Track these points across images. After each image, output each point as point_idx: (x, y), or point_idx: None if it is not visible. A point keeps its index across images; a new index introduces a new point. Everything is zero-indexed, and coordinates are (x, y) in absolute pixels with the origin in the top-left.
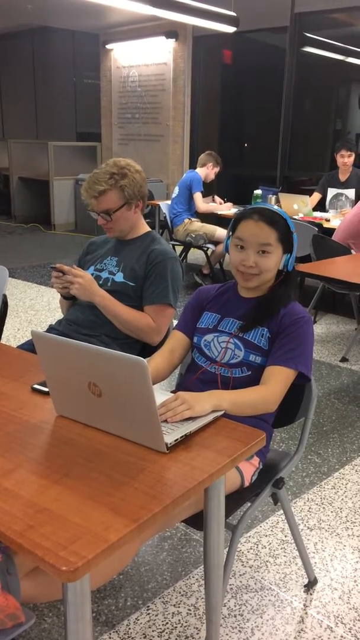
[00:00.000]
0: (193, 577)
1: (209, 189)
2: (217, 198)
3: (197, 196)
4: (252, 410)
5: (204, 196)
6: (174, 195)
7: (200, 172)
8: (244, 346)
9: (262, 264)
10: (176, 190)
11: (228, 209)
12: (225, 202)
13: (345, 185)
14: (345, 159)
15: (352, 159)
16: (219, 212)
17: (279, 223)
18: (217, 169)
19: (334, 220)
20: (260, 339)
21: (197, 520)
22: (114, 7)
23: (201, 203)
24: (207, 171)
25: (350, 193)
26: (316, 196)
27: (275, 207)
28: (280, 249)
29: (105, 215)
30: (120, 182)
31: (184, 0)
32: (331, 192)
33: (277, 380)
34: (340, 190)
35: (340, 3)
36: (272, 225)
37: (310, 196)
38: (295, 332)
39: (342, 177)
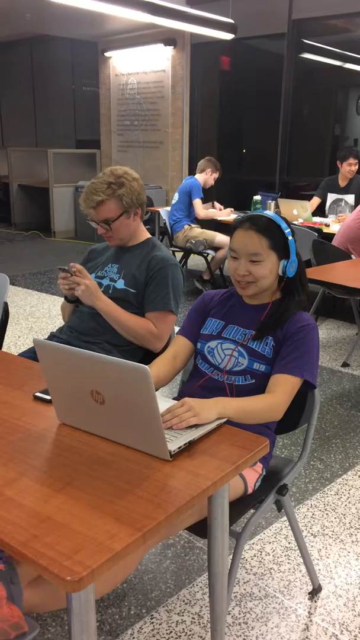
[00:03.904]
0: (197, 585)
1: (208, 195)
2: (216, 204)
3: (197, 203)
4: (258, 418)
5: (203, 202)
6: (173, 202)
7: (199, 178)
8: (248, 354)
9: (255, 272)
10: (176, 196)
11: (227, 215)
12: (224, 209)
13: (345, 190)
14: (352, 167)
15: (357, 166)
16: (219, 218)
17: (271, 230)
18: (216, 175)
19: (333, 225)
20: (264, 347)
21: (201, 528)
22: (112, 15)
23: (201, 210)
24: (206, 177)
25: (350, 199)
26: (315, 200)
27: (269, 212)
28: (273, 256)
29: (104, 224)
30: (118, 191)
31: (182, 8)
32: (331, 197)
33: (283, 389)
34: (340, 196)
35: (337, 9)
36: (263, 233)
37: (309, 201)
38: (301, 340)
39: (342, 183)
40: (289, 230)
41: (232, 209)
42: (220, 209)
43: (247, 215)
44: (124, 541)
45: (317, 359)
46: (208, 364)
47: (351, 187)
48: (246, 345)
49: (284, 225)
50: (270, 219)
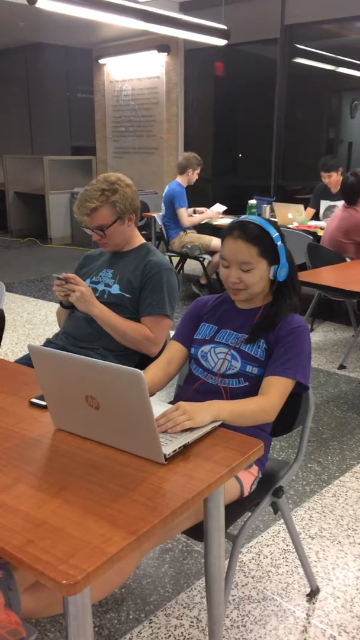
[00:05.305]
0: (195, 589)
1: (202, 197)
2: (198, 209)
3: (181, 212)
4: (252, 420)
5: (196, 205)
6: (162, 213)
7: (182, 180)
8: (240, 357)
9: (246, 280)
10: (162, 207)
11: (216, 217)
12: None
13: (337, 197)
14: (326, 180)
15: (332, 178)
16: (215, 223)
17: (260, 238)
18: (198, 170)
19: None
20: (257, 350)
21: (198, 531)
22: (106, 23)
23: (186, 218)
24: (188, 177)
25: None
26: (310, 211)
27: (256, 218)
28: (263, 263)
29: (99, 231)
30: (112, 198)
31: (175, 14)
32: (324, 204)
33: (275, 391)
34: (332, 203)
35: (329, 14)
36: (252, 241)
37: (304, 205)
38: (293, 342)
39: (334, 190)
40: (278, 235)
41: (218, 212)
42: (203, 212)
43: (235, 221)
44: (118, 544)
45: (309, 360)
46: (202, 368)
47: None
48: (239, 348)
49: (272, 231)
50: (259, 225)
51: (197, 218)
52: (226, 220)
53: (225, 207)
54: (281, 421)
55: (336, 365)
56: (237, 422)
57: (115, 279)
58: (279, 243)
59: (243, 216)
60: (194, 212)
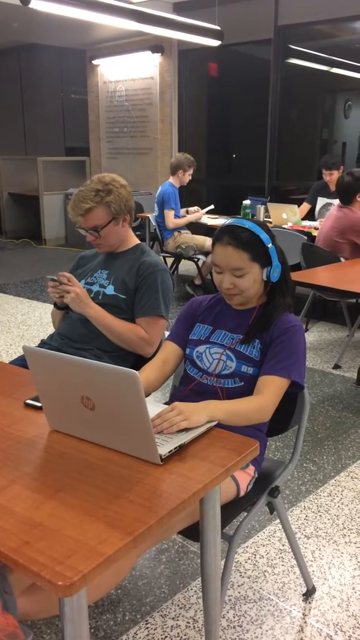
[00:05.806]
0: (191, 589)
1: (196, 197)
2: (190, 209)
3: (168, 214)
4: (247, 420)
5: (189, 205)
6: (155, 214)
7: (174, 181)
8: (235, 357)
9: (239, 285)
10: (155, 209)
11: (199, 218)
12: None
13: (335, 195)
14: (327, 177)
15: (334, 176)
16: (210, 223)
17: (250, 243)
18: (190, 171)
19: None
20: (252, 350)
21: (194, 532)
22: (100, 23)
23: (171, 221)
24: (180, 178)
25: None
26: (305, 207)
27: (245, 222)
28: (255, 266)
29: (93, 232)
30: (106, 198)
31: (169, 15)
32: (321, 201)
33: (271, 390)
34: (329, 200)
35: (322, 15)
36: (243, 247)
37: (299, 205)
38: (287, 341)
39: (333, 187)
40: (268, 236)
41: (202, 212)
42: (195, 211)
43: (224, 226)
44: (115, 545)
45: (304, 359)
46: (197, 369)
47: None
48: (234, 348)
49: (263, 235)
50: (248, 229)
51: (181, 220)
52: (220, 221)
53: (210, 207)
54: (277, 421)
55: (331, 365)
56: (233, 422)
57: (110, 279)
58: (270, 245)
59: (230, 220)
60: (187, 212)
